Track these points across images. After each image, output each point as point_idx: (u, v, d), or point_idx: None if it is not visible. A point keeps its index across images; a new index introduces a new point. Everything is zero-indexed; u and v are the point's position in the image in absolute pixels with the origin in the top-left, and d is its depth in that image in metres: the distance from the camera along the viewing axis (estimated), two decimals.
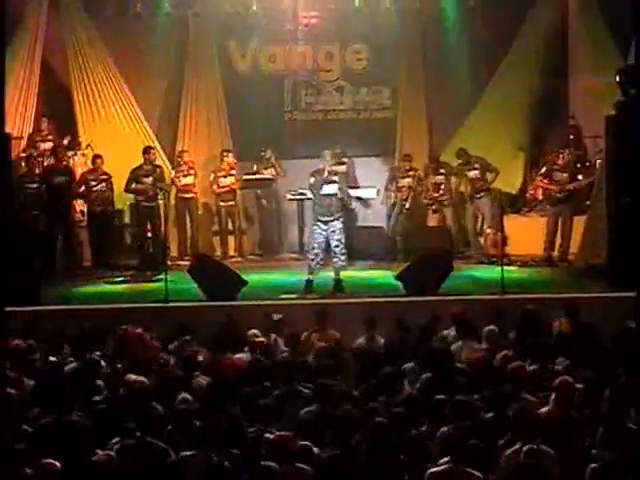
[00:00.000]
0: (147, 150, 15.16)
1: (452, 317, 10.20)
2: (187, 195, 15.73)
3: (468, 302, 11.35)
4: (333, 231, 12.53)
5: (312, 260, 12.63)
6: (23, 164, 15.27)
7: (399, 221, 15.61)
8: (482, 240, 15.32)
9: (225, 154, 15.86)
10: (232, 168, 15.78)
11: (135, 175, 14.89)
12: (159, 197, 14.89)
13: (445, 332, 10.05)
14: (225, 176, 15.72)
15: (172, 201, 15.64)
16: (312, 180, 12.89)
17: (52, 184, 14.69)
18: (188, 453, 6.78)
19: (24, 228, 13.01)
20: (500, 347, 9.24)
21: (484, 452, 6.53)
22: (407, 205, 15.55)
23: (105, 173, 15.20)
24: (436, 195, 15.58)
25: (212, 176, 15.84)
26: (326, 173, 12.70)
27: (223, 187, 15.70)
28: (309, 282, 12.61)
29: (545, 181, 14.82)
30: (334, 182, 12.64)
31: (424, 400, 7.61)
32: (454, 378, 8.24)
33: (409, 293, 12.09)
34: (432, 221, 15.80)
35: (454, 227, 15.60)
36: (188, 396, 7.90)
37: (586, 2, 15.90)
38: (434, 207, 15.65)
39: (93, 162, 15.26)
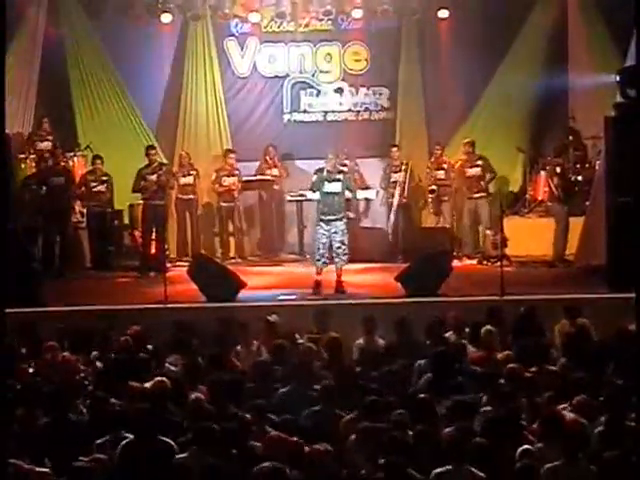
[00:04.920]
0: (149, 149, 15.12)
1: (452, 320, 10.24)
2: (187, 196, 15.73)
3: (467, 303, 11.37)
4: (335, 232, 12.55)
5: (318, 260, 12.65)
6: (22, 165, 15.29)
7: (398, 220, 15.62)
8: (480, 241, 15.38)
9: (228, 154, 15.87)
10: (235, 168, 15.77)
11: (142, 174, 14.87)
12: (166, 194, 14.86)
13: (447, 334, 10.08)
14: (228, 176, 15.71)
15: (172, 202, 15.68)
16: (314, 178, 12.88)
17: (50, 185, 14.67)
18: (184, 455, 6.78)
19: (23, 229, 12.99)
20: (495, 348, 9.28)
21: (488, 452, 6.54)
22: (404, 199, 15.54)
23: (105, 174, 15.20)
24: (436, 190, 15.60)
25: (214, 176, 15.85)
26: (328, 172, 12.68)
27: (226, 187, 15.69)
28: (317, 283, 12.61)
29: (553, 179, 14.80)
30: (338, 180, 12.65)
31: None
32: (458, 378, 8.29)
33: (409, 294, 12.07)
34: (429, 220, 15.83)
35: (452, 226, 15.63)
36: (201, 395, 7.90)
37: (586, 2, 15.94)
38: (431, 206, 15.67)
39: (93, 163, 15.26)
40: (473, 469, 6.49)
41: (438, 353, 8.82)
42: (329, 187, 12.59)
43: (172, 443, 6.97)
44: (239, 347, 10.03)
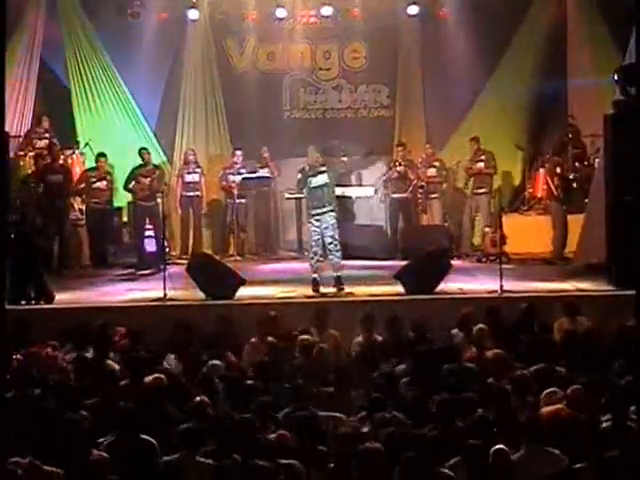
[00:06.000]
0: (141, 151, 15.13)
1: (461, 318, 10.21)
2: (192, 193, 15.73)
3: (466, 301, 11.35)
4: (326, 227, 12.43)
5: (312, 259, 12.61)
6: (21, 163, 15.28)
7: (397, 218, 15.66)
8: (478, 238, 15.40)
9: (235, 152, 15.87)
10: (242, 166, 15.76)
11: (134, 174, 14.88)
12: (157, 197, 14.85)
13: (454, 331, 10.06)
14: (234, 173, 15.70)
15: (174, 199, 15.70)
16: (299, 176, 12.83)
17: (48, 183, 14.65)
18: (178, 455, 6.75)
19: (22, 227, 12.95)
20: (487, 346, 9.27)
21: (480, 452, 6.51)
22: (405, 197, 15.55)
23: (107, 171, 15.20)
24: (425, 186, 15.64)
25: (220, 173, 15.86)
26: (311, 167, 12.58)
27: (232, 184, 15.67)
28: (315, 281, 12.58)
29: (553, 178, 14.80)
30: (322, 172, 12.52)
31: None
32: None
33: (408, 292, 12.06)
34: (425, 218, 15.87)
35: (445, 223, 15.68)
36: (205, 398, 7.86)
37: (585, 1, 15.93)
38: (418, 203, 15.71)
39: (97, 160, 15.25)
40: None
41: (421, 353, 8.80)
42: (315, 181, 12.47)
43: (154, 442, 6.86)
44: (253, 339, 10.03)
